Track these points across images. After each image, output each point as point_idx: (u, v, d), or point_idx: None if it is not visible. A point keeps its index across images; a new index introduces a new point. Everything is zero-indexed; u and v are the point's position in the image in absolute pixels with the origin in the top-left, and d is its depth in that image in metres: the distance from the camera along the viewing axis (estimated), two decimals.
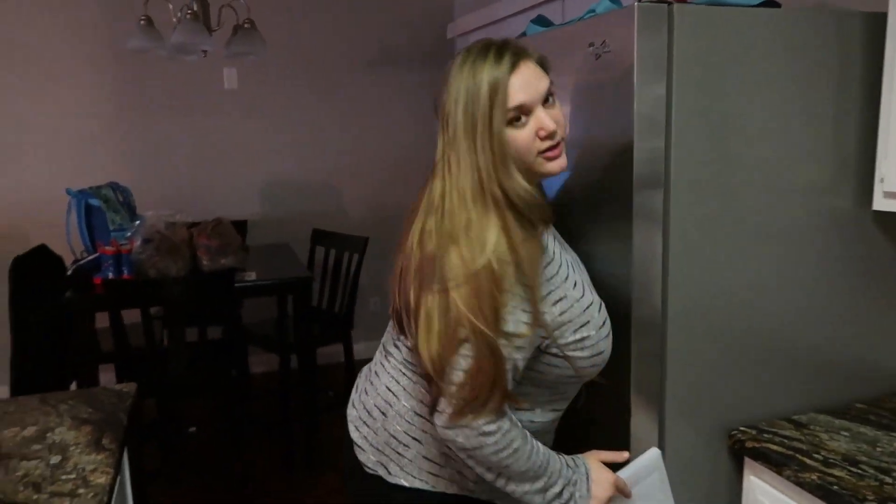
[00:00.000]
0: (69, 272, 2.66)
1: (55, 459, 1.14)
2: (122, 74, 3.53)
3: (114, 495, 1.10)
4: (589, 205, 1.28)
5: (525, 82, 0.98)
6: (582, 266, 1.15)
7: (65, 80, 3.44)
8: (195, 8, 2.69)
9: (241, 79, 3.72)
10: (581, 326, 1.03)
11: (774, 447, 1.19)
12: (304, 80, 3.82)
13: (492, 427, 0.98)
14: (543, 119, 1.00)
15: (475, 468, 1.02)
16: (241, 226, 3.43)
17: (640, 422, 1.22)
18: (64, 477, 1.08)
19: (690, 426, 1.25)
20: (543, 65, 1.05)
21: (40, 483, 1.07)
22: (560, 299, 1.02)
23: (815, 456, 1.15)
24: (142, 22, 2.75)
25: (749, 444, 1.21)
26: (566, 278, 1.04)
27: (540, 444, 1.05)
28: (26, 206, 3.42)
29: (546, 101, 1.01)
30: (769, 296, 1.27)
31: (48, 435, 1.24)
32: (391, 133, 3.99)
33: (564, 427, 1.30)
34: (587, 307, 1.05)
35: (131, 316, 2.49)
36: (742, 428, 1.25)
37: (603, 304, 1.10)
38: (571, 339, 1.03)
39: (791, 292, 1.29)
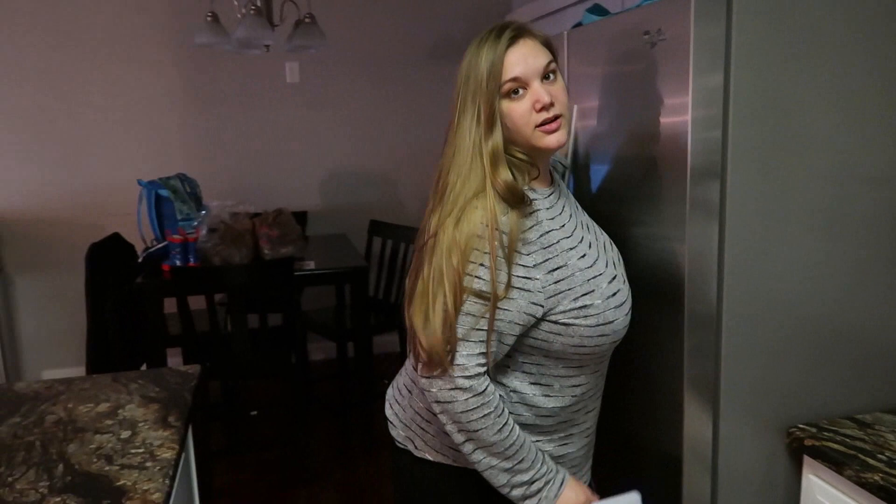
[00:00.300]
0: (140, 259, 2.80)
1: (125, 434, 1.21)
2: (190, 69, 3.66)
3: (178, 469, 1.16)
4: (643, 195, 1.27)
5: (521, 57, 1.04)
6: (611, 247, 1.17)
7: (136, 76, 3.60)
8: (258, 4, 2.77)
9: (303, 72, 3.79)
10: (583, 295, 1.05)
11: (835, 446, 1.15)
12: (362, 74, 3.88)
13: (465, 384, 1.01)
14: (539, 91, 1.04)
15: (446, 426, 1.05)
16: (301, 216, 3.52)
17: (694, 417, 1.20)
18: (133, 451, 1.15)
19: (746, 422, 1.22)
20: (549, 45, 1.09)
21: (112, 455, 1.13)
22: (558, 267, 1.05)
23: (879, 456, 1.11)
24: (208, 18, 2.86)
25: (808, 442, 1.18)
26: (570, 249, 1.07)
27: (522, 432, 1.07)
28: (102, 196, 3.60)
29: (546, 77, 1.06)
30: (832, 291, 1.23)
31: (119, 411, 1.31)
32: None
33: (614, 425, 1.29)
34: (593, 277, 1.07)
35: (197, 302, 2.60)
36: (801, 425, 1.22)
37: (618, 279, 1.11)
38: (571, 306, 1.05)
39: (856, 287, 1.24)
